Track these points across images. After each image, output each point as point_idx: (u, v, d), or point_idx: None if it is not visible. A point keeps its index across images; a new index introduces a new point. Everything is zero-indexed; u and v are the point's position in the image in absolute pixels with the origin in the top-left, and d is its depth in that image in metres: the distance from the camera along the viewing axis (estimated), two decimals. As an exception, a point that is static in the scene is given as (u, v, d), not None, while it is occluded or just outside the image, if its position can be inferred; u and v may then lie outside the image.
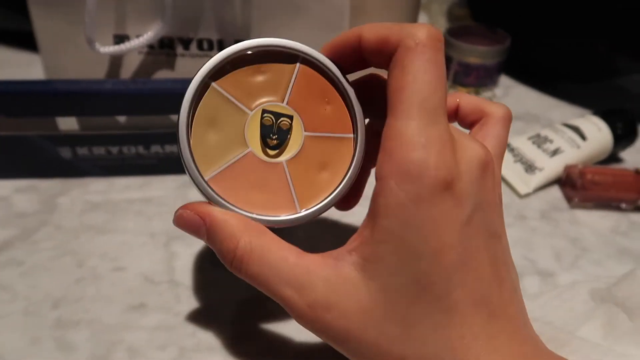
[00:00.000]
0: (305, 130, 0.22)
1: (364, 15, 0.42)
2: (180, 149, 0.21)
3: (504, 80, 0.53)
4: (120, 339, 0.26)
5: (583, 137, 0.38)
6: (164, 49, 0.37)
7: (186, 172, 0.21)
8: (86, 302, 0.28)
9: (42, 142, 0.34)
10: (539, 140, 0.40)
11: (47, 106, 0.33)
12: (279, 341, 0.27)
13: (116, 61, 0.37)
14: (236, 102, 0.22)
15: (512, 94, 0.51)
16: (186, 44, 0.36)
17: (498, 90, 0.51)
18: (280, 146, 0.22)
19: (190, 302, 0.28)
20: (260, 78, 0.22)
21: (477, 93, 0.50)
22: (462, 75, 0.50)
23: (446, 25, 0.65)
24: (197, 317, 0.28)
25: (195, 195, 0.36)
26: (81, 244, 0.32)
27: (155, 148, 0.36)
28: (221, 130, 0.22)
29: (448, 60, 0.50)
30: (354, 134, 0.22)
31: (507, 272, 0.20)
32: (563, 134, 0.39)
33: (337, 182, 0.22)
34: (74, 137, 0.34)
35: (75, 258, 0.31)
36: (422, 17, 0.66)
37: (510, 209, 0.36)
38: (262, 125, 0.22)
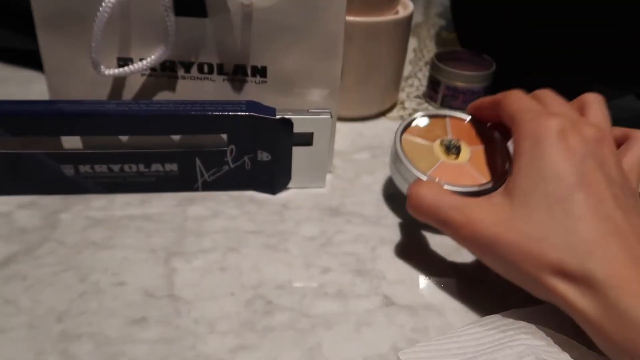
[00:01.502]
0: (469, 146, 0.37)
1: (361, 43, 0.45)
2: (404, 164, 0.35)
3: (490, 104, 0.55)
4: (122, 351, 0.27)
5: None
6: (165, 72, 0.38)
7: (411, 175, 0.35)
8: (89, 315, 0.29)
9: (46, 159, 0.35)
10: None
11: (53, 126, 0.34)
12: (279, 354, 0.28)
13: (119, 83, 0.39)
14: (424, 141, 0.38)
15: (497, 117, 0.53)
16: (187, 67, 0.38)
17: (484, 113, 0.53)
18: (458, 155, 0.36)
19: (190, 316, 0.29)
20: (431, 127, 0.39)
21: (464, 115, 0.52)
22: (450, 98, 0.52)
23: (435, 50, 0.68)
24: (197, 331, 0.29)
25: (194, 211, 0.37)
26: (83, 259, 0.33)
27: (156, 166, 0.37)
28: (420, 153, 0.36)
29: (436, 84, 0.52)
30: (497, 143, 0.38)
31: (629, 206, 0.27)
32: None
33: (500, 169, 0.36)
34: (77, 155, 0.36)
35: (77, 273, 0.32)
36: (412, 42, 0.69)
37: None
38: (445, 147, 0.37)
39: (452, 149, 0.37)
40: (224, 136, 0.36)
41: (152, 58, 0.37)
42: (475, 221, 0.28)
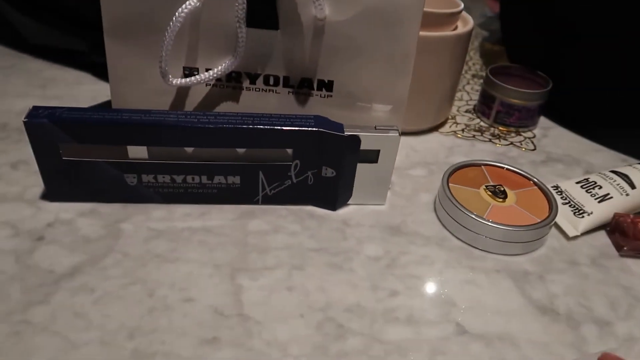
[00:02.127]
0: (512, 189, 0.40)
1: (420, 57, 0.44)
2: (460, 210, 0.37)
3: (543, 121, 0.54)
4: (195, 372, 0.27)
5: (632, 185, 0.40)
6: (230, 82, 0.38)
7: (467, 220, 0.37)
8: (160, 333, 0.29)
9: (110, 168, 0.35)
10: (587, 185, 0.41)
11: (120, 135, 0.34)
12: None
13: (182, 92, 0.38)
14: (469, 188, 0.40)
15: (551, 135, 0.52)
16: (253, 78, 0.37)
17: (537, 131, 0.53)
18: (505, 199, 0.39)
19: (262, 338, 0.29)
20: (471, 175, 0.41)
21: (517, 133, 0.51)
22: (503, 115, 0.51)
23: (480, 62, 0.67)
24: (270, 354, 0.28)
25: (255, 225, 0.36)
26: (149, 272, 0.32)
27: (219, 178, 0.36)
28: (470, 199, 0.38)
29: (490, 99, 0.51)
30: (535, 186, 0.41)
31: None
32: (612, 181, 0.40)
33: (546, 210, 0.38)
34: (141, 165, 0.35)
35: (145, 287, 0.31)
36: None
37: (561, 254, 0.37)
38: (492, 192, 0.39)
39: (498, 194, 0.39)
40: (289, 151, 0.36)
41: (219, 68, 0.36)
42: None
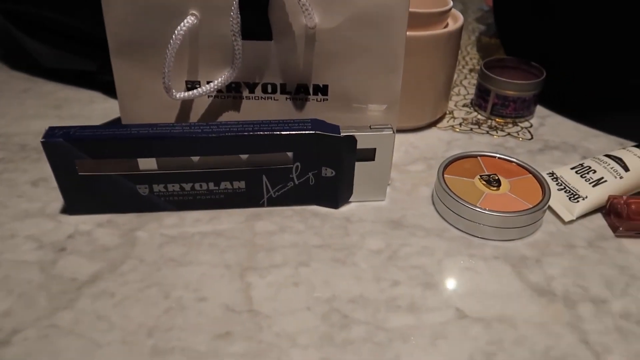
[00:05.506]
0: (506, 178, 0.41)
1: (414, 56, 0.45)
2: (455, 200, 0.38)
3: (540, 110, 0.55)
4: (211, 365, 0.29)
5: (626, 168, 0.41)
6: (231, 92, 0.40)
7: (462, 209, 0.38)
8: (177, 330, 0.31)
9: (123, 180, 0.37)
10: (582, 170, 0.42)
11: (131, 149, 0.36)
12: (358, 367, 0.29)
13: (186, 104, 0.40)
14: (464, 178, 0.41)
15: (548, 124, 0.53)
16: (252, 87, 0.39)
17: (534, 120, 0.54)
18: (499, 187, 0.40)
19: (272, 330, 0.31)
20: (467, 166, 0.43)
21: (514, 124, 0.53)
22: (499, 107, 0.52)
23: (477, 56, 0.68)
24: (280, 345, 0.30)
25: (262, 226, 0.38)
26: (164, 275, 0.34)
27: (225, 184, 0.38)
28: (465, 189, 0.40)
29: (486, 92, 0.53)
30: (530, 173, 0.42)
31: None
32: (606, 165, 0.41)
33: (539, 196, 0.40)
34: (152, 176, 0.37)
35: (161, 289, 0.33)
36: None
37: (558, 238, 0.38)
38: (486, 181, 0.41)
39: (492, 182, 0.41)
40: (290, 154, 0.38)
41: (219, 80, 0.38)
42: None
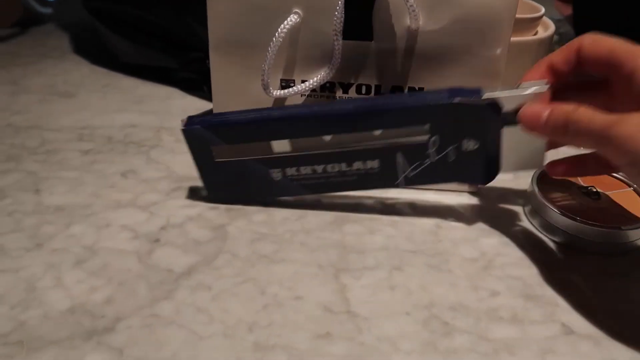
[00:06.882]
0: (605, 191, 0.40)
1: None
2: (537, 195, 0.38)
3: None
4: (313, 364, 0.28)
5: None
6: (324, 92, 0.40)
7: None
8: (276, 327, 0.30)
9: (257, 165, 0.37)
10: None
11: (265, 131, 0.36)
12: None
13: (278, 102, 0.40)
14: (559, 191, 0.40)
15: None
16: (346, 88, 0.39)
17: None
18: (599, 200, 0.39)
19: (372, 333, 0.30)
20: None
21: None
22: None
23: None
24: (382, 348, 0.29)
25: (350, 228, 0.38)
26: (258, 271, 0.34)
27: (357, 164, 0.37)
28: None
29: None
30: (630, 188, 0.41)
31: None
32: None
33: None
34: (285, 159, 0.37)
35: (256, 285, 0.33)
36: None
37: (662, 255, 0.37)
38: (584, 193, 0.40)
39: (591, 195, 0.39)
40: (426, 126, 0.35)
41: (315, 80, 0.38)
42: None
